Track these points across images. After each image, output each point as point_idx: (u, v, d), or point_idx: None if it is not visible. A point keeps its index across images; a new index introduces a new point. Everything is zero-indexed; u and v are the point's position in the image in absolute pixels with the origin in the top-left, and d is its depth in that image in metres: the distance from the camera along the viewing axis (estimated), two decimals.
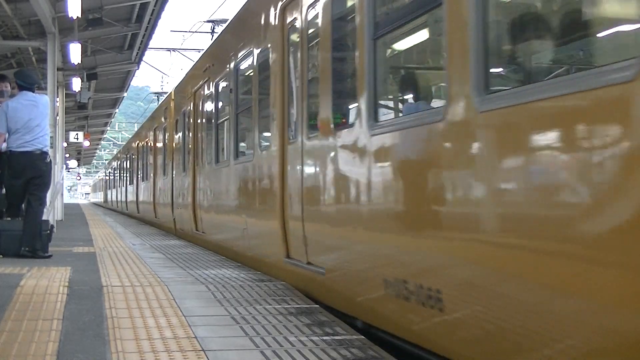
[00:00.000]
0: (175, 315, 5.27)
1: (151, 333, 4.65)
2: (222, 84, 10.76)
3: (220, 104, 11.16)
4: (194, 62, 14.87)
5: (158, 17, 19.54)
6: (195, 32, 33.28)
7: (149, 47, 24.59)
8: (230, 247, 9.78)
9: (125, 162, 31.75)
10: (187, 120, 13.94)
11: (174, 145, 15.83)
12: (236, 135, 9.59)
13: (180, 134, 14.95)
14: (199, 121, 12.64)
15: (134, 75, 28.35)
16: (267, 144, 7.86)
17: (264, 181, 7.91)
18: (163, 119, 18.18)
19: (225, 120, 10.32)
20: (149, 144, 21.60)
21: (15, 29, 18.68)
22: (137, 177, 25.08)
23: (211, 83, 11.37)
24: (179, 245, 12.29)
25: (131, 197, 27.60)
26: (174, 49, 33.38)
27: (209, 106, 11.77)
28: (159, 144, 19.03)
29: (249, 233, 8.62)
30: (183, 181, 13.99)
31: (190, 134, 13.31)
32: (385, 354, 4.33)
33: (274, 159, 7.35)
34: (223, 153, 10.77)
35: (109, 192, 46.62)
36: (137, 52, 23.57)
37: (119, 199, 35.24)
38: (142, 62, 25.93)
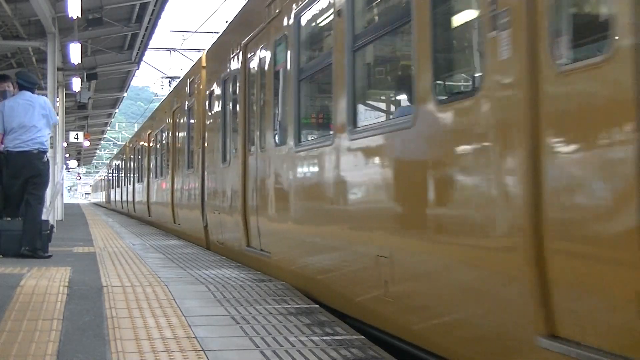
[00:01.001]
0: (175, 315, 5.27)
1: (151, 333, 4.65)
2: (317, 11, 6.65)
3: (307, 47, 7.06)
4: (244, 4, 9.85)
5: (158, 17, 19.55)
6: (195, 32, 33.29)
7: (149, 47, 24.59)
8: (337, 285, 5.79)
9: (132, 157, 27.21)
10: (230, 88, 9.86)
11: (205, 127, 11.70)
12: (352, 90, 5.50)
13: (216, 111, 10.77)
14: (255, 84, 8.45)
15: (134, 75, 28.39)
16: (477, 84, 3.89)
17: (460, 169, 3.98)
18: (187, 96, 14.08)
19: (323, 70, 6.34)
20: (165, 132, 17.53)
21: (15, 29, 18.68)
22: (149, 174, 20.92)
23: (286, 15, 7.20)
24: (179, 245, 12.28)
25: (140, 196, 23.38)
26: (174, 49, 33.35)
27: (280, 55, 7.55)
28: (181, 130, 15.03)
29: (400, 268, 4.61)
30: (223, 175, 10.18)
31: (238, 105, 9.24)
32: (385, 354, 4.32)
33: (502, 117, 3.54)
34: (315, 126, 7.32)
35: (112, 191, 41.21)
36: (137, 52, 23.58)
37: (124, 199, 30.67)
38: (142, 62, 25.95)
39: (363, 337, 4.74)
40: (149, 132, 21.43)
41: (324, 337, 4.67)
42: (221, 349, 4.28)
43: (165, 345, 4.32)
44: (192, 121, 13.49)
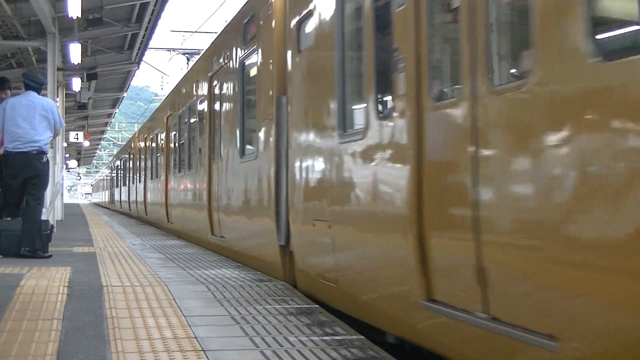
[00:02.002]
0: (175, 315, 5.27)
1: (151, 333, 4.65)
2: None
3: None
4: None
5: (158, 17, 19.56)
6: (195, 32, 33.30)
7: (149, 47, 24.61)
8: None
9: (143, 149, 22.21)
10: None
11: (286, 83, 7.16)
12: None
13: (317, 48, 6.34)
14: None
15: (134, 75, 28.40)
16: None
17: None
18: (238, 47, 9.16)
19: None
20: (195, 110, 12.88)
21: (15, 29, 18.69)
22: (167, 168, 16.37)
23: None
24: (179, 245, 12.28)
25: (154, 196, 19.02)
26: (174, 49, 33.36)
27: None
28: (225, 101, 10.09)
29: None
30: (337, 160, 5.76)
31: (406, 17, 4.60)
32: (385, 354, 4.32)
33: None
34: None
35: (117, 190, 35.53)
36: (137, 52, 23.59)
37: (132, 199, 25.87)
38: (142, 62, 25.96)
39: (363, 337, 4.74)
40: (168, 115, 16.61)
41: (324, 337, 4.67)
42: (221, 349, 4.28)
43: (165, 345, 4.32)
44: (250, 82, 8.83)
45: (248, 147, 8.91)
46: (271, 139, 7.48)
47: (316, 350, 4.33)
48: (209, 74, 11.18)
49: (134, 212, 24.94)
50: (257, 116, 8.23)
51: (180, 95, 14.86)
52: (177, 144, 15.22)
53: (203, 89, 11.83)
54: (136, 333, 4.65)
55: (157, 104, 24.70)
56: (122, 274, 7.64)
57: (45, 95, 9.45)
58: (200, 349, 4.25)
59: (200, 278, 7.37)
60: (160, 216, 17.10)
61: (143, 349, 4.24)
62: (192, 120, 13.41)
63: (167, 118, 16.77)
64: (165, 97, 18.90)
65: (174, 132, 15.68)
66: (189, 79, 14.16)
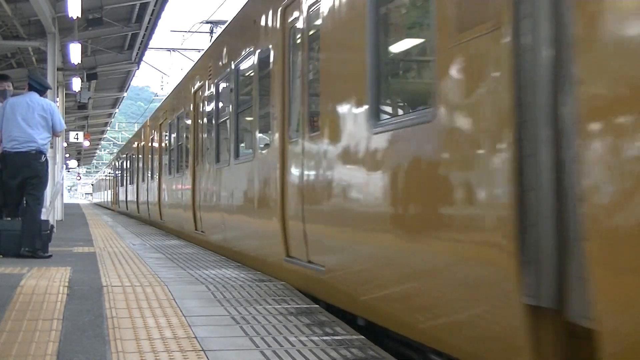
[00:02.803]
0: (175, 315, 5.27)
1: (151, 333, 4.65)
2: None
3: None
4: None
5: (158, 17, 19.58)
6: (195, 32, 33.30)
7: (149, 47, 24.63)
8: None
9: (156, 140, 18.74)
10: None
11: None
12: None
13: None
14: None
15: (134, 75, 28.42)
16: None
17: None
18: None
19: None
20: (256, 63, 8.30)
21: (15, 29, 18.70)
22: (200, 157, 11.89)
23: None
24: (179, 245, 12.27)
25: (175, 196, 14.81)
26: (174, 49, 33.37)
27: None
28: (332, 24, 5.62)
29: None
30: None
31: None
32: (386, 354, 4.32)
33: None
34: None
35: (122, 190, 31.68)
36: (137, 52, 23.61)
37: (142, 199, 21.86)
38: (142, 62, 25.97)
39: (363, 337, 4.74)
40: (197, 86, 12.31)
41: (324, 337, 4.67)
42: (221, 349, 4.28)
43: (165, 345, 4.32)
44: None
45: (390, 103, 5.15)
46: (495, 79, 3.41)
47: (316, 350, 4.33)
48: (280, 7, 7.17)
49: (145, 216, 20.80)
50: (431, 36, 4.16)
51: (221, 52, 10.34)
52: (213, 126, 10.89)
53: (268, 32, 7.73)
54: (136, 333, 4.65)
55: (157, 104, 24.17)
56: (122, 274, 7.64)
57: (45, 96, 9.44)
58: (200, 349, 4.25)
59: (200, 278, 7.37)
60: (184, 222, 13.12)
61: (143, 349, 4.24)
62: (242, 88, 9.27)
63: (195, 93, 12.38)
64: (194, 64, 14.21)
65: (208, 109, 11.38)
66: (235, 26, 9.78)
